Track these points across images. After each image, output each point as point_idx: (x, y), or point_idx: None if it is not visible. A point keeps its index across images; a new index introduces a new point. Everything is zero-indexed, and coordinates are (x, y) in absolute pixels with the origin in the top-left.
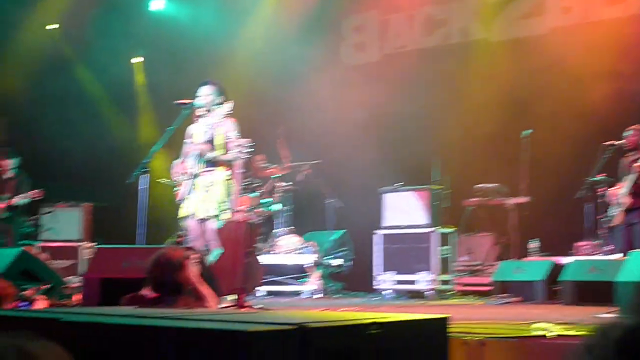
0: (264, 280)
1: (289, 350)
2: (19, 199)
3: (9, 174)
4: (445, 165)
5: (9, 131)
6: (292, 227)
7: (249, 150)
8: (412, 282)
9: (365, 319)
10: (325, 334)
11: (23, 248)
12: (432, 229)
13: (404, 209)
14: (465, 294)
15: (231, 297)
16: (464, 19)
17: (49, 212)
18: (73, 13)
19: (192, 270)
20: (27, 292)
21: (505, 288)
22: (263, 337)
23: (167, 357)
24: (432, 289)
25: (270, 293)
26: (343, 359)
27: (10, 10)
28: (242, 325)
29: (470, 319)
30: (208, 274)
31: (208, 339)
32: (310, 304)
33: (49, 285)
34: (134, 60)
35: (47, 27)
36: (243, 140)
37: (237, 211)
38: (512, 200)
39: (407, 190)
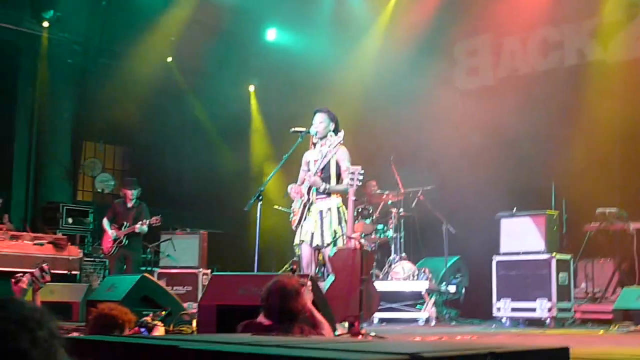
0: (378, 307)
1: None
2: (139, 227)
3: (131, 203)
4: (563, 189)
5: (130, 161)
6: (405, 254)
7: (362, 177)
8: (530, 310)
9: (481, 348)
10: None
11: (143, 274)
12: (550, 255)
13: (521, 235)
14: (585, 321)
15: (345, 324)
16: (579, 40)
17: (167, 240)
18: (188, 45)
19: (308, 298)
20: (146, 318)
21: (627, 316)
22: None
23: None
24: (551, 317)
25: (384, 320)
26: None
27: (128, 43)
28: (355, 355)
29: (592, 348)
30: (322, 301)
31: None
32: (425, 331)
33: (168, 311)
34: (250, 89)
35: (167, 60)
36: (355, 168)
37: (351, 238)
38: (634, 225)
39: (524, 215)
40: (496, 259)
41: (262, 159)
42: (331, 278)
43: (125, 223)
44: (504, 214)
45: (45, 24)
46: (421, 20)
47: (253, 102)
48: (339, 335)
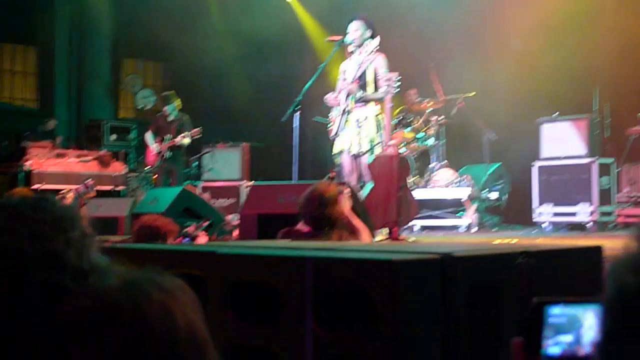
0: (419, 215)
1: (431, 279)
2: (181, 139)
3: (171, 117)
4: (605, 92)
5: (171, 76)
6: (447, 161)
7: (398, 84)
8: (571, 214)
9: (513, 248)
10: (470, 264)
11: (184, 187)
12: (592, 159)
13: (563, 140)
14: (628, 225)
15: (385, 231)
16: None
17: (209, 153)
18: None
19: (346, 205)
20: (189, 229)
21: None
22: (405, 266)
23: (309, 286)
24: (593, 221)
25: (426, 228)
26: (489, 290)
27: None
28: (386, 255)
29: None
30: (361, 208)
31: (351, 268)
32: (466, 237)
33: (209, 222)
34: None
35: None
36: (392, 75)
37: (389, 145)
38: None
39: (565, 120)
40: (537, 164)
41: (302, 70)
42: (370, 185)
43: (167, 136)
44: (544, 119)
45: None
46: None
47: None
48: (377, 241)
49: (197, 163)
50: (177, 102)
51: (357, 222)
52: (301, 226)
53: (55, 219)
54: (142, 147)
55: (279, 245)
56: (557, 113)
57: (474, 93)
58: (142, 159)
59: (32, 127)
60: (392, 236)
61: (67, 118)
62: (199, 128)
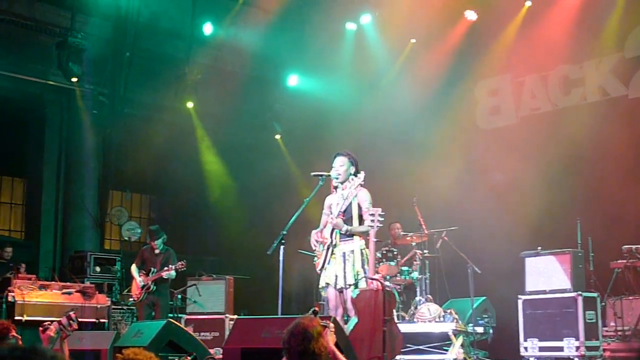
0: (405, 349)
1: None
2: (167, 272)
3: (157, 250)
4: (588, 227)
5: (156, 209)
6: (431, 296)
7: (382, 219)
8: (558, 349)
9: None
10: None
11: (168, 320)
12: (577, 293)
13: (547, 274)
14: None
15: None
16: (600, 77)
17: (193, 285)
18: (210, 91)
19: (330, 340)
20: None
21: None
22: None
23: None
24: (579, 356)
25: None
26: None
27: (152, 92)
28: None
29: None
30: (346, 343)
31: None
32: None
33: (193, 356)
34: (277, 137)
35: (188, 106)
36: (376, 210)
37: (374, 279)
38: None
39: (549, 254)
40: (522, 298)
41: (285, 204)
42: (354, 320)
43: (152, 269)
44: (528, 253)
45: (73, 79)
46: (441, 61)
47: (282, 147)
48: None
49: (181, 296)
50: (164, 236)
51: (341, 358)
52: None
53: None
54: (127, 279)
55: None
56: (540, 248)
57: (456, 227)
58: (126, 292)
59: (17, 258)
60: None
61: (52, 248)
62: (183, 261)
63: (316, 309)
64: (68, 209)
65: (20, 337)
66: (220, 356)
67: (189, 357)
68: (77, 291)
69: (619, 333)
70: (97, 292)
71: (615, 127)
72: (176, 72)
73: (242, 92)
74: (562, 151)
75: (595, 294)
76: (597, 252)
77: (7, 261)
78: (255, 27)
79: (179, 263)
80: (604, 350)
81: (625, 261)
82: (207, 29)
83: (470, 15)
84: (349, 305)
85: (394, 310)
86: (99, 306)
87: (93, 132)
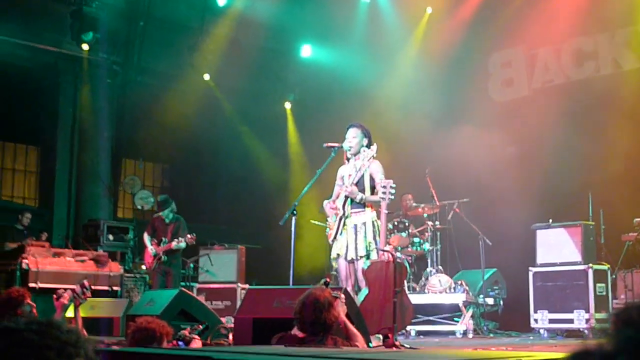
0: (415, 320)
1: None
2: (177, 243)
3: (167, 220)
4: (600, 199)
5: (169, 178)
6: (442, 267)
7: (394, 191)
8: (568, 321)
9: (510, 357)
10: None
11: (180, 289)
12: (587, 265)
13: (558, 246)
14: None
15: (380, 336)
16: (614, 49)
17: (205, 255)
18: (225, 62)
19: (341, 310)
20: (183, 332)
21: None
22: None
23: None
24: (589, 328)
25: (422, 333)
26: None
27: (166, 61)
28: None
29: None
30: (356, 313)
31: None
32: (462, 343)
33: (205, 326)
34: (287, 106)
35: (204, 77)
36: (387, 181)
37: (384, 251)
38: None
39: (560, 226)
40: (533, 270)
41: (298, 174)
42: (365, 291)
43: (163, 239)
44: (539, 225)
45: (85, 45)
46: (455, 33)
47: (289, 118)
48: (373, 347)
49: (193, 265)
50: (173, 206)
51: (352, 328)
52: (296, 331)
53: (60, 345)
54: (140, 247)
55: (274, 351)
56: (551, 220)
57: (468, 199)
58: (139, 260)
59: (31, 225)
60: (388, 342)
61: (65, 217)
62: (193, 234)
63: (327, 280)
64: (81, 177)
65: (34, 304)
66: (232, 325)
67: (201, 326)
68: (90, 259)
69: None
70: (110, 260)
71: (628, 100)
72: (190, 41)
73: (256, 62)
74: (574, 123)
75: (605, 267)
76: (609, 224)
77: (25, 227)
78: None
79: (189, 236)
80: None
81: (636, 234)
82: None
83: None
84: (360, 276)
85: (405, 281)
86: (111, 274)
87: (107, 101)
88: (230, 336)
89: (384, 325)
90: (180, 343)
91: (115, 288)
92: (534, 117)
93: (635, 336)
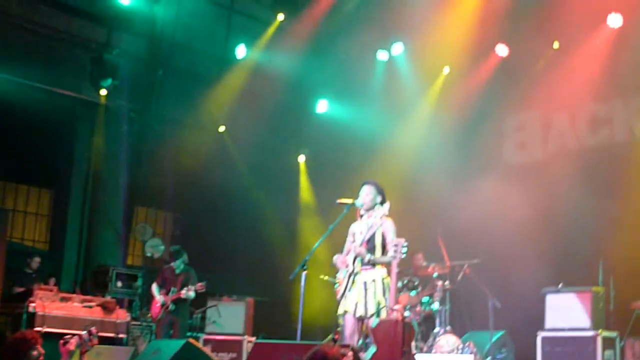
0: None
1: None
2: (185, 293)
3: (178, 270)
4: (611, 266)
5: (180, 227)
6: (450, 327)
7: (405, 250)
8: None
9: None
10: None
11: (188, 339)
12: (596, 332)
13: (567, 311)
14: None
15: None
16: (629, 116)
17: (213, 306)
18: (241, 114)
19: None
20: None
21: None
22: None
23: None
24: None
25: None
26: None
27: (183, 110)
28: None
29: None
30: None
31: None
32: None
33: None
34: (300, 159)
35: (219, 129)
36: (399, 240)
37: (393, 310)
38: None
39: (570, 291)
40: (541, 334)
41: (310, 229)
42: (373, 349)
43: (172, 289)
44: (549, 289)
45: (103, 91)
46: (470, 94)
47: (303, 171)
48: None
49: (200, 315)
50: (185, 257)
51: None
52: None
53: None
54: (148, 295)
55: None
56: (562, 284)
57: (478, 260)
58: (146, 309)
59: (41, 269)
60: None
61: (75, 261)
62: (204, 282)
63: (336, 336)
64: (93, 222)
65: (43, 351)
66: None
67: None
68: (97, 305)
69: None
70: (117, 307)
71: None
72: (207, 92)
73: (271, 115)
74: (588, 189)
75: (614, 334)
76: (618, 291)
77: (33, 271)
78: (288, 52)
79: (199, 284)
80: None
81: None
82: (241, 51)
83: (502, 50)
84: (369, 334)
85: (413, 342)
86: (118, 321)
87: (123, 148)
88: None
89: None
90: None
91: (121, 335)
92: (548, 181)
93: None
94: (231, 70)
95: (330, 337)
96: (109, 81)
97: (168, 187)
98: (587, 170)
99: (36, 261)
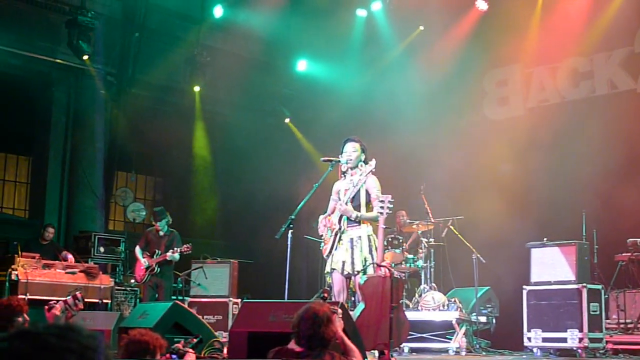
0: (408, 337)
1: None
2: (171, 255)
3: (162, 232)
4: (593, 219)
5: (161, 191)
6: (436, 284)
7: (391, 206)
8: (561, 340)
9: None
10: None
11: (174, 301)
12: (581, 285)
13: (552, 265)
14: (617, 352)
15: (376, 353)
16: (610, 70)
17: (198, 268)
18: (219, 75)
19: (338, 325)
20: (177, 345)
21: None
22: None
23: None
24: (582, 347)
25: (414, 350)
26: None
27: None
28: None
29: None
30: (352, 328)
31: None
32: None
33: (199, 339)
34: (286, 120)
35: (195, 89)
36: (386, 196)
37: (381, 266)
38: None
39: (555, 245)
40: (527, 288)
41: (293, 188)
42: (361, 306)
43: (157, 251)
44: (534, 243)
45: (82, 56)
46: (451, 50)
47: (284, 130)
48: None
49: (185, 279)
50: (169, 218)
51: (349, 343)
52: (293, 345)
53: (81, 348)
54: (131, 260)
55: None
56: (546, 239)
57: (462, 217)
58: (130, 273)
59: (20, 237)
60: (384, 358)
61: (56, 228)
62: (189, 244)
63: (325, 294)
64: (73, 189)
65: (28, 318)
66: (225, 339)
67: (194, 340)
68: (80, 271)
69: (622, 326)
70: (100, 272)
71: (622, 121)
72: (185, 54)
73: (250, 76)
74: (569, 143)
75: (599, 286)
76: (602, 244)
77: (48, 242)
78: (266, 12)
79: (184, 246)
80: (607, 342)
81: (629, 254)
82: (218, 11)
83: (482, 4)
84: (357, 291)
85: (402, 297)
86: (102, 287)
87: (100, 112)
88: (225, 350)
89: (380, 341)
90: (173, 356)
91: (105, 301)
92: (529, 136)
93: None
94: (209, 32)
95: (318, 294)
96: (85, 45)
97: (148, 151)
98: (568, 124)
99: (50, 231)
